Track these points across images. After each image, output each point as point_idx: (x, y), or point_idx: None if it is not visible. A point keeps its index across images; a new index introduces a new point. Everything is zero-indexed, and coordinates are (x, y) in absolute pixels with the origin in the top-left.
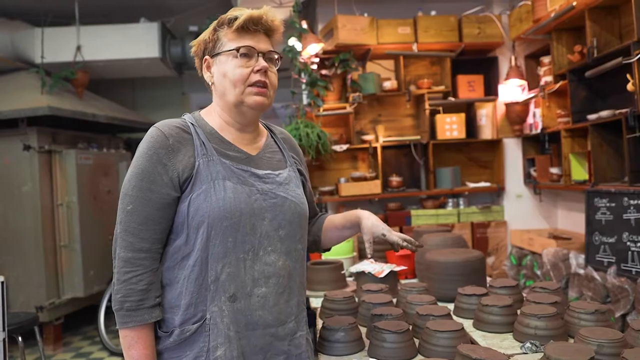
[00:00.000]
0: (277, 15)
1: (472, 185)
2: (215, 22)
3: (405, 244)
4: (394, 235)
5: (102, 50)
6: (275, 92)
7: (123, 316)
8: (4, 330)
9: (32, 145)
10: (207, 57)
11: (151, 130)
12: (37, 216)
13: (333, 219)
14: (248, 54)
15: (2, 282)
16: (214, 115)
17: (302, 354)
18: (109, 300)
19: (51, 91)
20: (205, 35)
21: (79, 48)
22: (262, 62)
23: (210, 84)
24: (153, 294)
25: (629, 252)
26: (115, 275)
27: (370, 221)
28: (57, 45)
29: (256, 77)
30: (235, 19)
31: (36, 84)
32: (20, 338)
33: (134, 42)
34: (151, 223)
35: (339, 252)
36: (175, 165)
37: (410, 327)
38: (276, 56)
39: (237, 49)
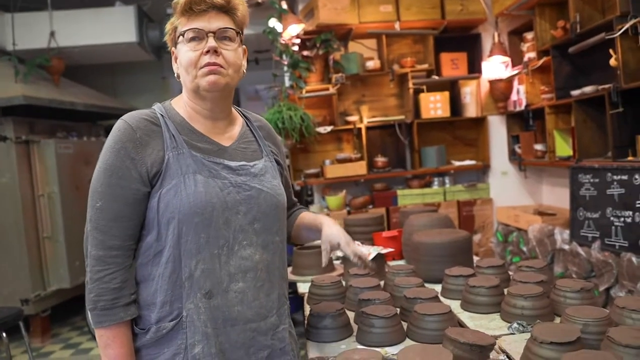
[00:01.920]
0: None
1: (457, 163)
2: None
3: (356, 260)
4: (349, 249)
5: (77, 35)
6: (236, 69)
7: (98, 315)
8: None
9: (8, 136)
10: (173, 49)
11: (118, 123)
12: (17, 208)
13: (303, 218)
14: (197, 36)
15: None
16: (183, 105)
17: (285, 347)
18: None
19: (26, 79)
20: (168, 26)
21: (52, 34)
22: (210, 43)
23: (176, 75)
24: (127, 291)
25: (613, 227)
26: (88, 274)
27: (330, 230)
28: (30, 32)
29: (205, 59)
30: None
31: (9, 72)
32: (4, 334)
33: (110, 27)
34: (122, 220)
35: None
36: (144, 159)
37: (398, 311)
38: (229, 33)
39: (183, 34)
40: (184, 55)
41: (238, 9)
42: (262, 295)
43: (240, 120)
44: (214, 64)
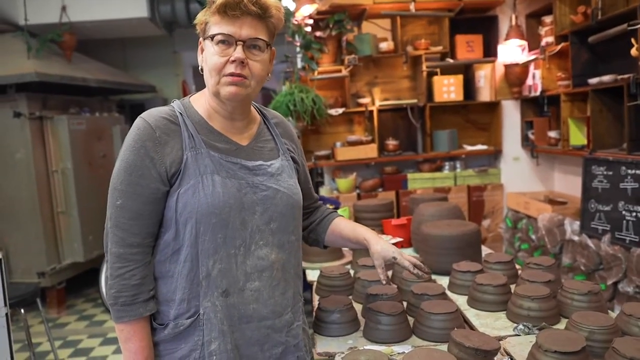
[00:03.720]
0: None
1: (469, 148)
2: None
3: (415, 271)
4: (405, 260)
5: (88, 10)
6: (260, 80)
7: (118, 311)
8: (5, 305)
9: (22, 112)
10: (200, 39)
11: (137, 121)
12: (32, 184)
13: (340, 227)
14: (226, 40)
15: (0, 260)
16: (203, 102)
17: (299, 343)
18: None
19: (38, 55)
20: (199, 16)
21: (64, 8)
22: (238, 53)
23: (200, 68)
24: (146, 287)
25: (624, 221)
26: (109, 270)
27: (380, 245)
28: (41, 6)
29: (231, 68)
30: (216, 1)
31: (22, 47)
32: (22, 310)
33: (122, 2)
34: (142, 218)
35: None
36: (163, 159)
37: (405, 305)
38: (259, 43)
39: (212, 37)
40: (209, 57)
41: (273, 16)
42: (277, 293)
43: (257, 119)
44: (239, 75)
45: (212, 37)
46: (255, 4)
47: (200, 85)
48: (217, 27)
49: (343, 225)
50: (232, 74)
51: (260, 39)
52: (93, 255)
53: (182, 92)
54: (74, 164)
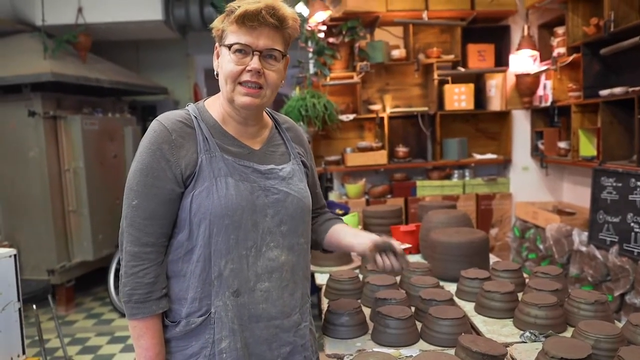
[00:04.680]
0: (286, 6)
1: (478, 156)
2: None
3: (401, 250)
4: (395, 241)
5: (104, 12)
6: (275, 89)
7: (132, 308)
8: (19, 300)
9: (36, 111)
10: (217, 45)
11: (153, 124)
12: (44, 182)
13: (344, 230)
14: (243, 50)
15: (15, 255)
16: (217, 106)
17: (306, 344)
18: (118, 263)
19: (54, 55)
20: (216, 23)
21: (80, 10)
22: (254, 63)
23: (215, 73)
24: (160, 285)
25: (633, 233)
26: (123, 268)
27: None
28: (58, 7)
29: (246, 77)
30: (234, 10)
31: (38, 47)
32: (34, 306)
33: (137, 4)
34: (156, 218)
35: None
36: (179, 161)
37: (413, 310)
38: (275, 53)
39: (230, 46)
40: (225, 64)
41: (290, 27)
42: (286, 294)
43: (269, 124)
44: (255, 83)
45: (229, 46)
46: (273, 15)
47: (211, 88)
48: (235, 36)
49: (346, 229)
50: (248, 83)
51: (276, 49)
52: (102, 254)
53: (193, 95)
54: (86, 164)
